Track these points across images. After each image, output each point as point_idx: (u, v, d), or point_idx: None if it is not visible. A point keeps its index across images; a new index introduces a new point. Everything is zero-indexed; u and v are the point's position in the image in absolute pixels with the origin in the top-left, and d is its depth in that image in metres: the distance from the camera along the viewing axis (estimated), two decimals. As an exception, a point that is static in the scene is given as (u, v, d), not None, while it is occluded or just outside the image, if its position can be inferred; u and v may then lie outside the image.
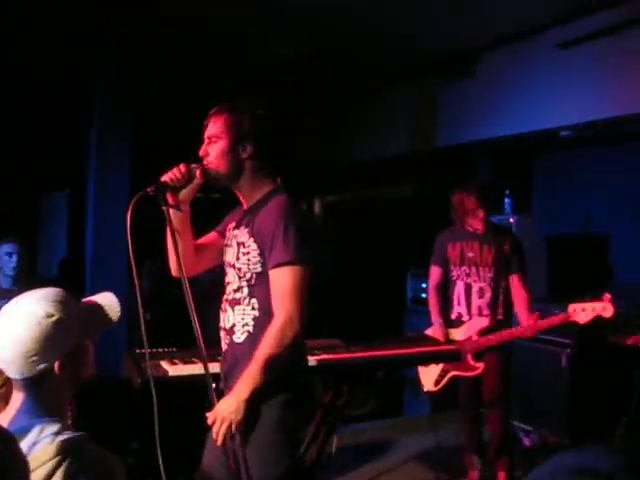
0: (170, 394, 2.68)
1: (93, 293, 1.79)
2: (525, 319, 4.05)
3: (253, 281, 2.48)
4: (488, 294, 4.14)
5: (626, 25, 4.44)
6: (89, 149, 5.30)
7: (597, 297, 3.70)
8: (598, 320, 3.76)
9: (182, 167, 2.46)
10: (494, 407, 4.20)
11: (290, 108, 6.34)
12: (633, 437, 4.19)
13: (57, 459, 1.39)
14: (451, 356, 3.81)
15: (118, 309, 1.75)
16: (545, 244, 5.98)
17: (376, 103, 6.56)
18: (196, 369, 2.94)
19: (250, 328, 2.48)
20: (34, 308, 1.54)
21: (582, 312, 3.69)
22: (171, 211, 2.45)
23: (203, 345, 2.34)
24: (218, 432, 2.33)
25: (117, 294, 1.81)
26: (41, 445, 1.43)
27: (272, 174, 2.61)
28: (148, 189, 2.39)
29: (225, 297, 2.61)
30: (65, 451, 1.41)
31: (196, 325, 2.34)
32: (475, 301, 4.16)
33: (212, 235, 2.76)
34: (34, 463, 1.38)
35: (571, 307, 3.75)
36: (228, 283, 2.59)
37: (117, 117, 5.23)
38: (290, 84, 5.91)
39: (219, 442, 2.34)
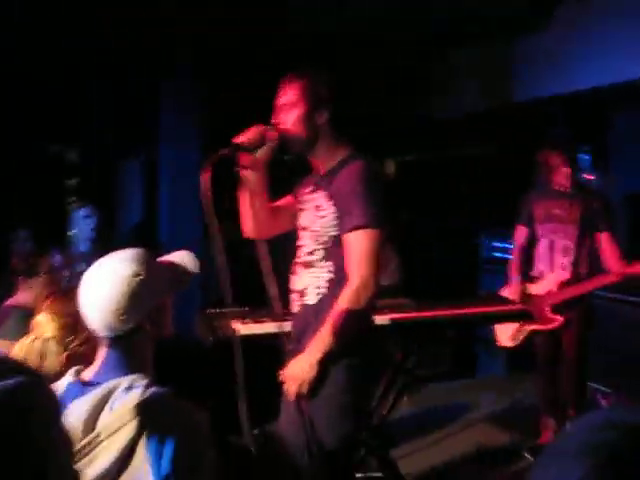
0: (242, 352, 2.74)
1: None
2: (616, 270, 3.97)
3: (329, 244, 2.50)
4: (572, 252, 4.09)
5: None
6: (160, 117, 5.40)
7: None
8: None
9: (257, 128, 2.46)
10: (571, 365, 4.13)
11: (363, 68, 6.28)
12: None
13: (148, 409, 1.47)
14: (521, 315, 3.75)
15: (196, 265, 1.79)
16: (624, 202, 5.79)
17: (452, 60, 6.42)
18: (266, 328, 3.01)
19: (324, 290, 2.50)
20: (121, 267, 1.60)
21: None
22: (246, 172, 2.48)
23: (279, 305, 2.39)
24: (289, 391, 2.39)
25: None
26: (133, 395, 1.50)
27: (347, 138, 2.61)
28: (223, 150, 2.40)
29: (297, 260, 2.63)
30: (154, 402, 1.50)
31: (272, 286, 2.39)
32: (558, 258, 4.13)
33: (288, 199, 2.77)
34: (126, 407, 1.46)
35: (638, 263, 3.76)
36: (300, 246, 2.61)
37: (186, 86, 5.30)
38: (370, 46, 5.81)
39: (290, 399, 2.40)
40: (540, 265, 4.23)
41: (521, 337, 4.20)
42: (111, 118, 5.79)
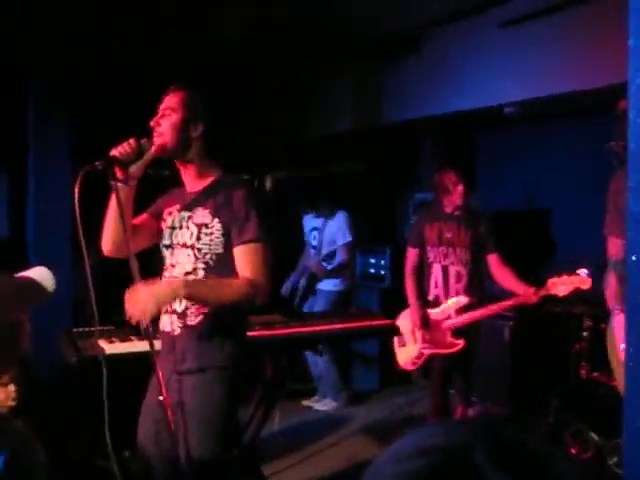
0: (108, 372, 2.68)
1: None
2: (523, 289, 3.99)
3: (212, 262, 2.51)
4: (465, 277, 4.17)
5: (566, 5, 4.52)
6: (27, 125, 5.21)
7: (572, 272, 3.78)
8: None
9: (132, 141, 2.46)
10: (463, 385, 4.34)
11: (243, 88, 6.31)
12: (568, 405, 4.32)
13: None
14: (388, 331, 3.87)
15: (52, 282, 1.75)
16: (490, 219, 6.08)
17: (324, 83, 6.57)
18: (133, 347, 2.96)
19: (205, 310, 2.50)
20: None
21: (562, 286, 3.77)
22: (119, 186, 2.43)
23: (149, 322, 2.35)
24: (131, 312, 2.28)
25: (61, 275, 1.82)
26: None
27: (220, 158, 2.66)
28: (97, 163, 2.36)
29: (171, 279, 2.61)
30: None
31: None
32: (452, 284, 4.18)
33: (145, 217, 2.74)
34: None
35: (550, 281, 3.82)
36: (174, 265, 2.58)
37: (55, 93, 5.15)
38: (241, 64, 5.87)
39: (133, 321, 2.32)
40: (435, 290, 4.25)
41: (421, 361, 4.25)
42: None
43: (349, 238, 5.60)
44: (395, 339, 4.29)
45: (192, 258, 2.52)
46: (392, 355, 4.28)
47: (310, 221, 5.89)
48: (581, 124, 5.77)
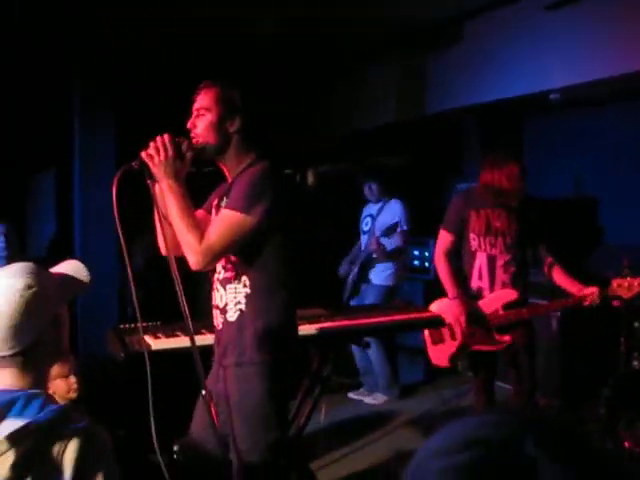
0: (153, 367, 2.70)
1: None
2: (578, 288, 3.85)
3: (241, 257, 2.50)
4: (513, 269, 3.89)
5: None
6: (73, 128, 5.29)
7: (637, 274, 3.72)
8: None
9: (166, 137, 2.40)
10: (522, 383, 3.96)
11: (280, 82, 6.33)
12: (620, 396, 4.23)
13: (47, 428, 1.44)
14: (434, 322, 3.78)
15: (87, 274, 1.77)
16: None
17: (366, 74, 6.52)
18: (179, 342, 2.97)
19: (242, 306, 2.51)
20: (12, 282, 1.55)
21: (626, 287, 3.71)
22: (157, 186, 2.41)
23: (190, 320, 2.34)
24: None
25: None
26: (29, 414, 1.46)
27: (256, 148, 2.61)
28: (133, 163, 2.35)
29: (216, 276, 2.63)
30: (55, 420, 1.46)
31: (183, 299, 2.35)
32: (499, 275, 3.88)
33: (199, 213, 2.70)
34: (23, 432, 1.42)
35: (615, 282, 3.74)
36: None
37: (100, 95, 5.22)
38: (280, 57, 5.88)
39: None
40: (479, 281, 3.93)
41: (459, 360, 4.15)
42: (18, 131, 5.64)
43: (405, 227, 5.53)
44: (427, 333, 4.01)
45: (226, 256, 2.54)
46: None
47: (366, 210, 5.86)
48: (630, 108, 5.63)
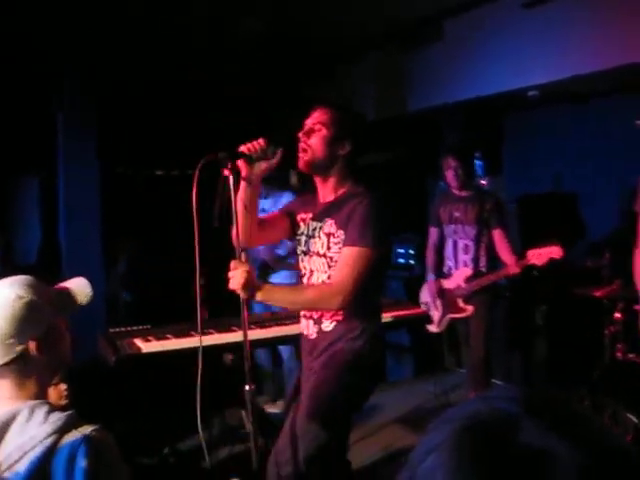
0: (144, 370, 2.73)
1: (70, 277, 1.84)
2: (511, 262, 4.45)
3: None
4: (471, 249, 4.67)
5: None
6: (57, 133, 5.28)
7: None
8: (568, 275, 4.50)
9: (262, 141, 2.51)
10: (476, 347, 4.63)
11: (261, 80, 6.34)
12: (604, 387, 4.29)
13: (54, 437, 1.45)
14: (419, 320, 3.97)
15: (88, 291, 1.79)
16: (516, 204, 6.06)
17: (347, 72, 6.56)
18: (170, 345, 3.00)
19: (339, 317, 2.62)
20: (4, 292, 1.58)
21: (538, 256, 4.21)
22: (242, 183, 2.53)
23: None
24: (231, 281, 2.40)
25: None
26: (34, 425, 1.47)
27: (355, 173, 2.72)
28: (220, 153, 2.40)
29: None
30: (61, 429, 1.47)
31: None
32: (461, 256, 4.71)
33: (277, 214, 2.88)
34: (30, 443, 1.43)
35: (529, 252, 4.27)
36: (312, 271, 2.69)
37: (84, 102, 5.21)
38: (258, 59, 5.90)
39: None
40: (448, 262, 4.81)
41: (444, 325, 4.81)
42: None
43: None
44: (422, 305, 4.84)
45: (326, 266, 2.62)
46: (424, 344, 4.43)
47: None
48: (607, 105, 5.71)
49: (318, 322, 2.67)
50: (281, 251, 4.96)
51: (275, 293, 2.51)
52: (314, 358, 2.69)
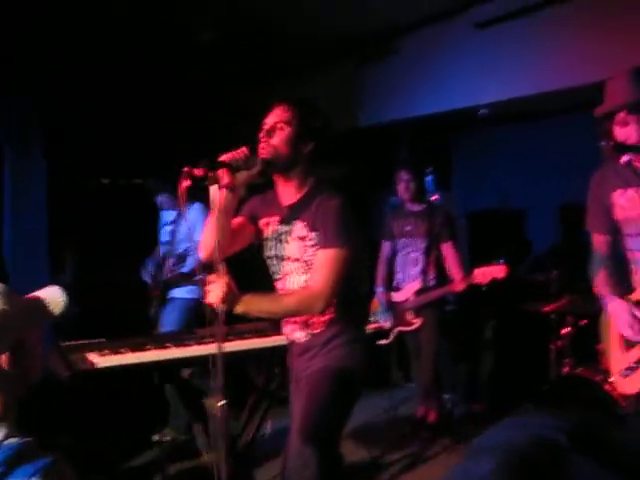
0: (99, 385, 2.65)
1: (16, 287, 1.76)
2: (458, 278, 4.55)
3: None
4: (421, 263, 4.73)
5: (541, 5, 4.60)
6: (4, 153, 5.15)
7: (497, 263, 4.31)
8: (516, 290, 4.64)
9: (245, 149, 2.47)
10: (426, 361, 4.71)
11: (216, 93, 6.29)
12: (550, 403, 4.37)
13: (2, 469, 1.37)
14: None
15: (62, 301, 1.70)
16: (465, 219, 6.16)
17: (300, 86, 6.57)
18: (125, 359, 2.92)
19: (330, 315, 2.60)
20: None
21: (482, 275, 4.31)
22: (224, 192, 2.47)
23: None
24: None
25: (39, 283, 1.78)
26: None
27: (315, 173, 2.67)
28: (201, 164, 2.36)
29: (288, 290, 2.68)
30: (12, 461, 1.40)
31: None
32: (411, 269, 4.76)
33: (241, 221, 2.77)
34: None
35: (475, 271, 4.34)
36: (285, 275, 2.65)
37: (29, 94, 5.10)
38: (212, 70, 5.86)
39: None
40: (398, 275, 4.86)
41: (393, 337, 4.84)
42: None
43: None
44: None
45: (301, 270, 2.59)
46: (372, 359, 4.48)
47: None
48: (554, 124, 5.86)
49: (305, 326, 2.65)
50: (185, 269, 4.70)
51: (254, 304, 2.45)
52: (309, 358, 2.66)
